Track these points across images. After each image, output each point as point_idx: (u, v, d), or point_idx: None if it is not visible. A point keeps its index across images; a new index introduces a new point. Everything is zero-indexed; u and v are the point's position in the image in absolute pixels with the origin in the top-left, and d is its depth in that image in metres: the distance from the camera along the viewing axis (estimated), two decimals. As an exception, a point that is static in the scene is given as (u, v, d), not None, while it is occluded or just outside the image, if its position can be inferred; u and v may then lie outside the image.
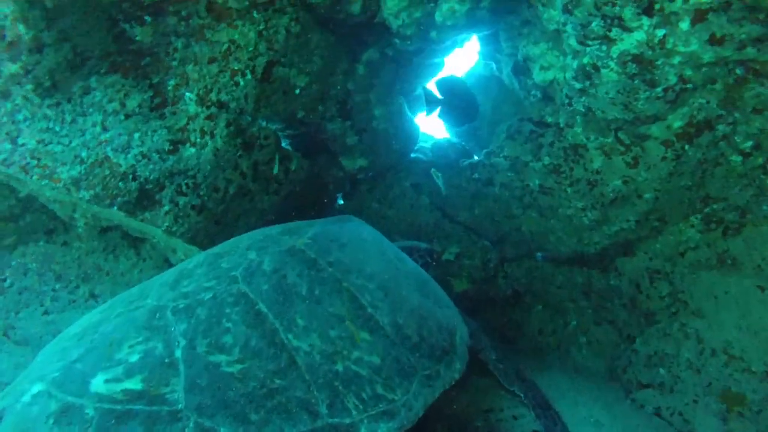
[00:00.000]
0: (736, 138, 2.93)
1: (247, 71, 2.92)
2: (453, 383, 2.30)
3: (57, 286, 3.88)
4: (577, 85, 3.67)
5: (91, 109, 2.66)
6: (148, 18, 2.73)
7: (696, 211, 3.37)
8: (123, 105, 2.73)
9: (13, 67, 2.42)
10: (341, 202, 4.73)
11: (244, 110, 2.98)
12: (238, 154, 3.03)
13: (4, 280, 3.73)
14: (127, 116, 2.73)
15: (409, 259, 3.06)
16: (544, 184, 4.18)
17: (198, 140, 2.85)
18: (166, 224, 2.88)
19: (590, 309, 4.67)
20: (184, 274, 2.26)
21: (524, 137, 4.36)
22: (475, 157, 5.03)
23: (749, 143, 2.87)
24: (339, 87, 3.60)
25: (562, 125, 4.03)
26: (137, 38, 2.82)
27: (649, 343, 3.87)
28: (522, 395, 2.89)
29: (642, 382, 3.77)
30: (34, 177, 2.58)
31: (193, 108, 2.83)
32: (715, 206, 3.38)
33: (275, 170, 3.17)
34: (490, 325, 4.85)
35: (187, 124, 2.84)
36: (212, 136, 2.88)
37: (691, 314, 3.60)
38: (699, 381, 3.35)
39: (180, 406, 1.65)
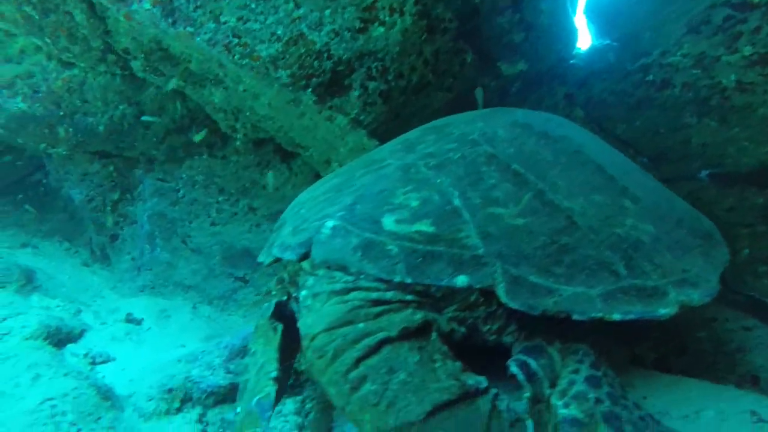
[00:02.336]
0: None
1: (436, -62, 2.60)
2: (726, 267, 1.96)
3: (220, 199, 3.94)
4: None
5: (282, -15, 2.48)
6: None
7: None
8: (311, -19, 2.53)
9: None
10: (487, 116, 4.39)
11: (430, -15, 2.68)
12: (423, 37, 2.76)
13: (178, 191, 3.83)
14: (317, -8, 2.52)
15: None
16: (742, 80, 3.58)
17: (387, 19, 2.61)
18: (355, 111, 2.71)
19: (773, 233, 4.03)
20: (412, 142, 2.07)
21: (714, 27, 3.74)
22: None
23: None
24: (511, -31, 3.20)
25: (774, 3, 3.37)
26: None
27: None
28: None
29: None
30: (236, 56, 2.48)
31: (381, -18, 2.58)
32: None
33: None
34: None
35: (376, 1, 2.60)
36: (401, 14, 2.62)
37: None
38: None
39: (480, 251, 1.47)
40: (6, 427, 1.39)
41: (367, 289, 1.45)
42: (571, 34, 4.13)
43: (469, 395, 1.27)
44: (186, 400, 2.20)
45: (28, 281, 3.02)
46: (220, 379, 2.21)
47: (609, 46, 4.47)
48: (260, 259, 1.78)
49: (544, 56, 3.96)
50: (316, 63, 2.53)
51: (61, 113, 3.24)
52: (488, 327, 1.51)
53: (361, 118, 2.75)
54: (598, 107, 4.37)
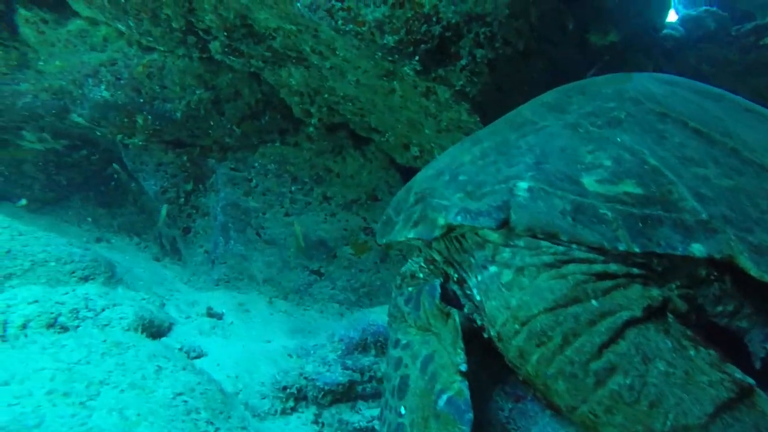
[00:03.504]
0: None
1: None
2: None
3: (293, 188, 3.78)
4: None
5: (382, -54, 2.27)
6: None
7: None
8: (413, -61, 2.31)
9: None
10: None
11: (540, -60, 2.42)
12: (530, -1, 2.50)
13: (251, 180, 3.68)
14: (418, -48, 2.30)
15: None
16: None
17: (496, -22, 2.37)
18: (461, 83, 2.47)
19: None
20: (556, 104, 1.81)
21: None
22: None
23: None
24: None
25: None
26: None
27: None
28: None
29: None
30: (339, 21, 2.28)
31: (489, -62, 2.33)
32: None
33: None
34: None
35: (484, -42, 2.35)
36: (511, -29, 2.38)
37: None
38: None
39: (704, 215, 1.20)
40: (148, 421, 1.23)
41: (586, 261, 1.21)
42: (663, 1, 3.78)
43: (745, 392, 1.02)
44: (300, 398, 2.01)
45: (113, 273, 2.91)
46: (337, 375, 2.01)
47: (707, 11, 4.09)
48: (417, 233, 1.46)
49: (635, 25, 3.63)
50: (424, 27, 2.30)
51: (141, 100, 3.13)
52: (721, 308, 1.25)
53: (467, 89, 2.51)
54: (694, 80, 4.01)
